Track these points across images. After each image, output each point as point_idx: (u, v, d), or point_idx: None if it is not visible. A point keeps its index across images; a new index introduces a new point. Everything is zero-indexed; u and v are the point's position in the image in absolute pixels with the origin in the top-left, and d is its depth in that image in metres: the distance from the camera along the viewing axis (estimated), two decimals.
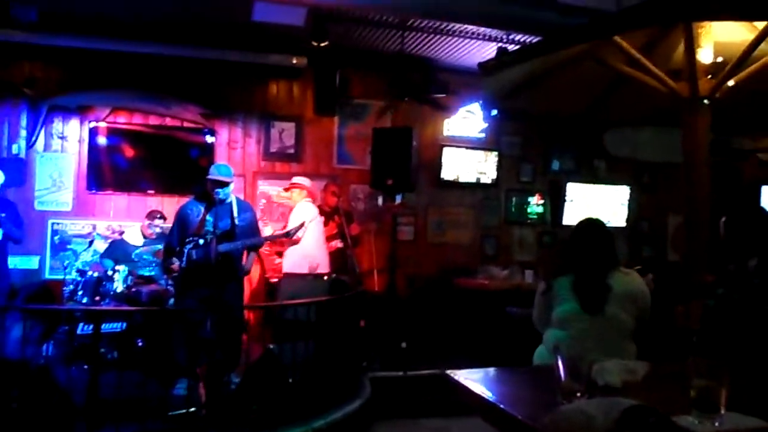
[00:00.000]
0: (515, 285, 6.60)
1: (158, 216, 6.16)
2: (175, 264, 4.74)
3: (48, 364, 3.69)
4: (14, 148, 6.49)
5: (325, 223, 6.35)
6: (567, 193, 8.06)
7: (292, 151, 7.25)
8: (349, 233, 6.17)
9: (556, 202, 8.12)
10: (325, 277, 5.61)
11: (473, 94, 7.34)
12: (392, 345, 6.18)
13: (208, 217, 4.83)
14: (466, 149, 7.71)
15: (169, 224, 6.15)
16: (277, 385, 4.26)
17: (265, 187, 7.18)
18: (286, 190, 6.25)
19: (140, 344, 5.36)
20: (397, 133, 6.79)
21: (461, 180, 7.69)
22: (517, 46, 6.44)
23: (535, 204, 8.12)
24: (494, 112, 7.30)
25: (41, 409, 3.54)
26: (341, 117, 7.37)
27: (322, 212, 6.35)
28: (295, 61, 6.79)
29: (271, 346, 4.42)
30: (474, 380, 2.03)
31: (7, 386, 3.47)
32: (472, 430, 5.28)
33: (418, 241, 7.64)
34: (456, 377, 2.03)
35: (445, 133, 7.71)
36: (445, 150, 7.61)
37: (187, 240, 4.79)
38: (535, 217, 8.13)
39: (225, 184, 4.81)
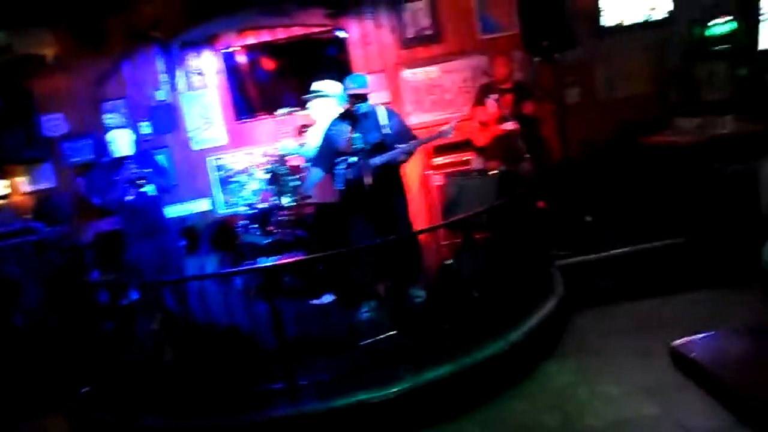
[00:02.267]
0: (713, 136, 5.61)
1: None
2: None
3: (235, 323, 3.61)
4: (160, 95, 6.51)
5: (497, 103, 5.71)
6: (762, 8, 6.63)
7: (430, 31, 6.57)
8: (523, 112, 5.52)
9: (749, 23, 6.72)
10: (494, 172, 5.08)
11: None
12: (577, 221, 5.64)
13: (355, 134, 4.48)
14: None
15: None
16: (462, 302, 3.97)
17: (409, 76, 6.65)
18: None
19: (320, 268, 5.32)
20: None
21: (626, 23, 6.58)
22: None
23: (722, 26, 6.78)
24: None
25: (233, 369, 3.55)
26: None
27: (492, 89, 5.73)
28: None
29: (449, 261, 4.08)
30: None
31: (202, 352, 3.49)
32: (681, 309, 4.78)
33: (587, 101, 6.76)
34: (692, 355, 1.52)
35: None
36: None
37: (337, 161, 4.52)
38: (726, 45, 6.81)
39: (364, 97, 4.39)
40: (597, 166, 6.41)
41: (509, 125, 5.73)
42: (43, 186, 6.53)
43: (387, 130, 4.42)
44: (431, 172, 6.30)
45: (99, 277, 5.41)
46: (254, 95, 6.59)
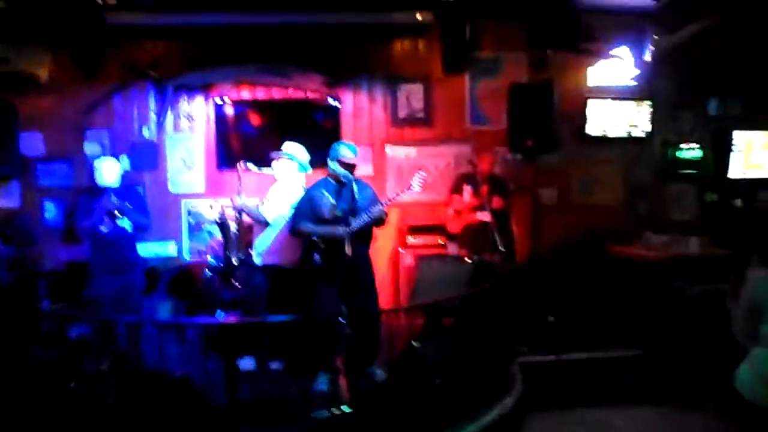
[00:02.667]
0: (678, 255, 5.81)
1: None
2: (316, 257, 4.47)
3: (187, 374, 3.49)
4: (145, 132, 6.48)
5: (474, 193, 5.85)
6: (734, 139, 7.04)
7: (421, 115, 6.75)
8: (491, 206, 5.63)
9: (720, 152, 7.10)
10: (467, 259, 5.14)
11: (622, 36, 6.53)
12: (538, 320, 5.68)
13: (335, 202, 4.51)
14: (613, 100, 6.86)
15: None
16: (422, 387, 3.92)
17: (394, 154, 6.76)
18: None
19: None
20: (535, 89, 6.18)
21: (609, 135, 6.88)
22: None
23: (692, 151, 7.11)
24: (648, 55, 6.48)
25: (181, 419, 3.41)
26: (472, 74, 6.76)
27: (471, 179, 5.87)
28: (419, 17, 6.19)
29: (415, 343, 4.05)
30: None
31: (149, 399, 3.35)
32: (634, 422, 4.82)
33: (561, 204, 6.96)
34: None
35: (590, 83, 6.89)
36: (590, 102, 6.81)
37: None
38: (694, 171, 7.14)
39: (353, 167, 4.46)
40: (563, 267, 6.52)
41: (482, 216, 5.84)
42: (5, 204, 6.35)
43: (358, 201, 4.47)
44: (403, 251, 6.33)
45: (48, 307, 5.21)
46: (239, 147, 6.58)
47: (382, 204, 4.52)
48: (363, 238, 4.54)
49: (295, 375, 4.43)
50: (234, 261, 5.22)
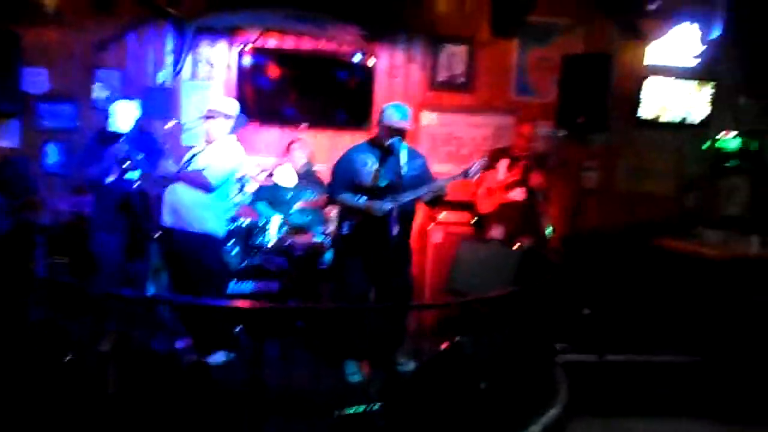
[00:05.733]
0: (738, 254, 5.28)
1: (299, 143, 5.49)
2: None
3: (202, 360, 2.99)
4: (160, 77, 5.90)
5: (509, 168, 5.32)
6: None
7: (462, 79, 6.16)
8: (533, 183, 5.09)
9: None
10: (515, 246, 4.61)
11: (689, 9, 5.94)
12: (574, 311, 5.20)
13: (380, 170, 3.97)
14: (674, 79, 6.27)
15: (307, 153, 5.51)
16: (465, 387, 3.43)
17: (431, 118, 6.18)
18: (207, 118, 4.40)
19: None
20: (592, 61, 5.64)
21: (662, 119, 6.30)
22: None
23: (750, 143, 6.54)
24: (716, 32, 5.90)
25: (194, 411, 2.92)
26: (522, 39, 6.15)
27: (507, 154, 5.34)
28: None
29: (459, 338, 3.55)
30: None
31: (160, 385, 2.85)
32: None
33: (605, 189, 6.42)
34: None
35: (648, 60, 6.28)
36: (647, 82, 6.22)
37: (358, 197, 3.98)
38: (749, 162, 6.58)
39: (403, 133, 3.90)
40: (602, 257, 6.02)
41: (517, 194, 5.33)
42: (3, 144, 5.79)
43: (405, 171, 3.89)
44: (433, 226, 5.80)
45: (44, 262, 4.69)
46: (262, 100, 6.02)
47: (438, 180, 3.95)
48: (407, 216, 4.02)
49: (318, 361, 3.93)
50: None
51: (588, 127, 5.63)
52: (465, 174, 3.97)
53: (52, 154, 5.85)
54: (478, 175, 3.96)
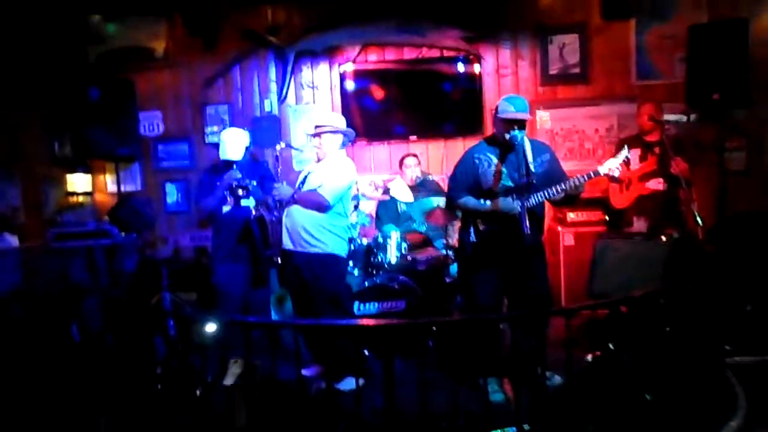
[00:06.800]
0: None
1: (410, 158, 5.25)
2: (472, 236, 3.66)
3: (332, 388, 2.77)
4: (267, 105, 5.91)
5: (642, 158, 4.86)
6: None
7: (576, 70, 5.74)
8: (676, 170, 4.55)
9: None
10: (663, 237, 4.12)
11: None
12: (736, 309, 4.56)
13: (503, 168, 3.65)
14: None
15: (420, 166, 5.30)
16: (628, 403, 3.01)
17: (543, 116, 5.80)
18: (316, 135, 4.16)
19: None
20: (723, 29, 5.02)
21: None
22: None
23: None
24: None
25: None
26: (638, 18, 5.65)
27: (637, 143, 4.88)
28: None
29: (611, 345, 3.14)
30: None
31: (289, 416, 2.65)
32: None
33: (754, 169, 5.72)
34: None
35: None
36: None
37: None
38: None
39: (522, 124, 3.56)
40: (757, 246, 5.32)
41: (656, 184, 4.82)
42: (128, 188, 5.99)
43: (534, 168, 3.51)
44: (563, 229, 5.38)
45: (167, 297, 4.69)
46: (365, 118, 5.88)
47: (577, 177, 3.56)
48: (537, 216, 3.67)
49: (454, 381, 3.63)
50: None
51: (726, 103, 5.03)
52: (606, 170, 3.54)
53: (171, 193, 5.99)
54: (619, 170, 3.52)
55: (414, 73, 5.82)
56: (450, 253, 4.80)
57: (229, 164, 4.30)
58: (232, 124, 5.81)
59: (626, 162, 3.55)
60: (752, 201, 5.52)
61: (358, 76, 5.84)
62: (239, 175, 4.19)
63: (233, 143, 4.31)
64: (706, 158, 5.49)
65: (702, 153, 5.48)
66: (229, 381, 2.66)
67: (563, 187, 3.49)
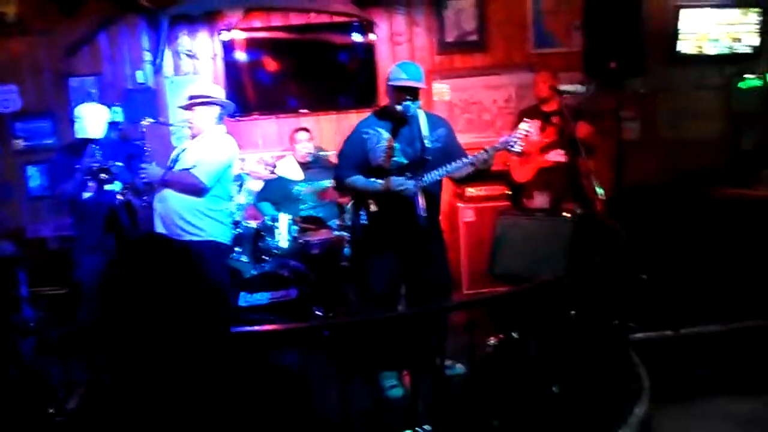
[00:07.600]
0: None
1: (302, 132, 4.87)
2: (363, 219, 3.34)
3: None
4: (139, 76, 5.32)
5: (542, 129, 4.69)
6: None
7: (474, 37, 5.51)
8: (578, 137, 4.39)
9: None
10: (566, 214, 3.95)
11: None
12: (631, 279, 4.52)
13: (395, 144, 3.34)
14: (711, 8, 5.54)
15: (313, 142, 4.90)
16: (533, 395, 2.81)
17: (442, 88, 5.54)
18: (188, 108, 3.74)
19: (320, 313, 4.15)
20: None
21: (707, 52, 5.59)
22: None
23: None
24: None
25: None
26: None
27: (535, 113, 4.70)
28: None
29: (514, 334, 2.93)
30: None
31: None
32: None
33: (647, 139, 5.72)
34: None
35: None
36: (683, 12, 5.51)
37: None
38: None
39: (416, 94, 3.26)
40: (651, 215, 5.34)
41: (556, 156, 4.69)
42: None
43: (428, 143, 3.22)
44: (462, 205, 5.17)
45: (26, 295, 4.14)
46: (252, 90, 5.42)
47: (483, 150, 3.28)
48: (433, 194, 3.39)
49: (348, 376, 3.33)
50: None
51: (622, 72, 4.96)
52: (507, 143, 3.28)
53: (34, 177, 5.33)
54: (522, 145, 3.26)
55: (303, 41, 5.41)
56: (346, 234, 4.48)
57: (87, 143, 3.77)
58: (101, 98, 5.17)
59: (526, 134, 3.32)
60: (646, 170, 5.52)
61: (242, 44, 5.36)
62: (99, 156, 3.67)
63: (91, 119, 3.77)
64: (605, 128, 5.42)
65: (600, 122, 5.40)
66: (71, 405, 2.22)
67: (470, 160, 3.22)
